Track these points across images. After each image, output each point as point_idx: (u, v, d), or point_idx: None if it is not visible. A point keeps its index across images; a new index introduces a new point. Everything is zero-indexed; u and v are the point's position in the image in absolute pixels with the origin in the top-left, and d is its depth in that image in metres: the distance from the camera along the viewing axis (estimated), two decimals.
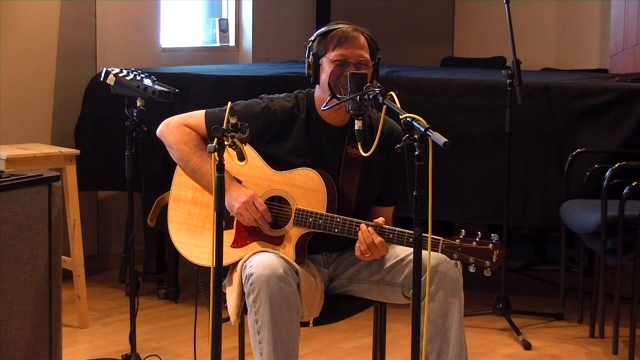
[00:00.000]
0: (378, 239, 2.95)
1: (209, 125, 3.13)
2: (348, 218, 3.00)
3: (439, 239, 2.90)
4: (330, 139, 3.13)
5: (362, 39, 3.08)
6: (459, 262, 2.97)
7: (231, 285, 3.02)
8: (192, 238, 3.13)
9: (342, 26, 3.10)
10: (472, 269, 2.91)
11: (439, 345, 2.94)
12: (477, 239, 2.90)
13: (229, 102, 2.69)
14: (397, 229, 2.96)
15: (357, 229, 2.97)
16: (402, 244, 2.96)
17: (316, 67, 3.09)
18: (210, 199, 3.11)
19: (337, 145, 3.13)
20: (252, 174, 3.08)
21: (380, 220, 2.98)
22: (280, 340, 2.85)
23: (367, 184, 3.14)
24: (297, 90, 3.22)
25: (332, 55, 3.05)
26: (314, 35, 3.13)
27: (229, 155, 2.67)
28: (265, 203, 3.06)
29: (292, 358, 2.90)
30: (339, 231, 3.00)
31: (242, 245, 3.07)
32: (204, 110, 3.18)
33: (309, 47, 3.12)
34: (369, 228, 2.96)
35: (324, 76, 3.06)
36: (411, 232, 2.84)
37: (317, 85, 3.13)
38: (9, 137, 4.76)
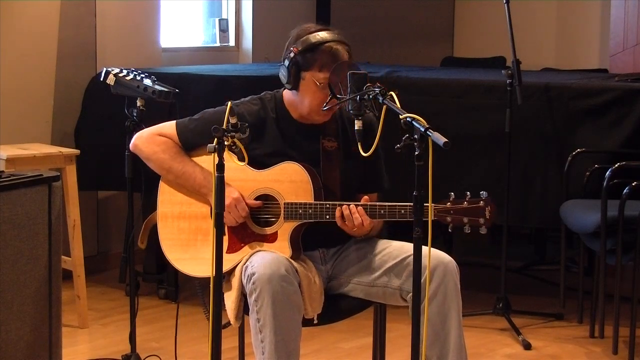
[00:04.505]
0: (358, 220, 2.95)
1: (180, 135, 3.15)
2: (337, 202, 3.00)
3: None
4: (305, 135, 3.14)
5: (347, 56, 3.03)
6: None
7: (229, 290, 3.01)
8: (186, 253, 3.13)
9: (327, 38, 3.02)
10: (467, 230, 2.89)
11: (439, 351, 2.94)
12: (467, 199, 2.90)
13: (229, 103, 2.70)
14: (387, 204, 2.96)
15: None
16: (394, 217, 2.94)
17: (297, 79, 3.05)
18: (197, 210, 3.14)
19: (313, 140, 3.14)
20: (236, 178, 3.07)
21: (367, 197, 3.01)
22: (282, 339, 2.85)
23: (348, 174, 3.15)
24: (264, 92, 3.22)
25: (319, 76, 3.01)
26: (298, 44, 3.04)
27: (229, 156, 2.67)
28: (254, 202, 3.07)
29: (294, 357, 2.90)
30: (330, 217, 3.00)
31: (236, 250, 3.08)
32: (174, 121, 3.19)
33: (290, 56, 3.05)
34: (354, 207, 2.95)
35: (309, 97, 3.04)
36: (402, 204, 2.88)
37: (292, 91, 3.10)
38: (9, 137, 4.76)
